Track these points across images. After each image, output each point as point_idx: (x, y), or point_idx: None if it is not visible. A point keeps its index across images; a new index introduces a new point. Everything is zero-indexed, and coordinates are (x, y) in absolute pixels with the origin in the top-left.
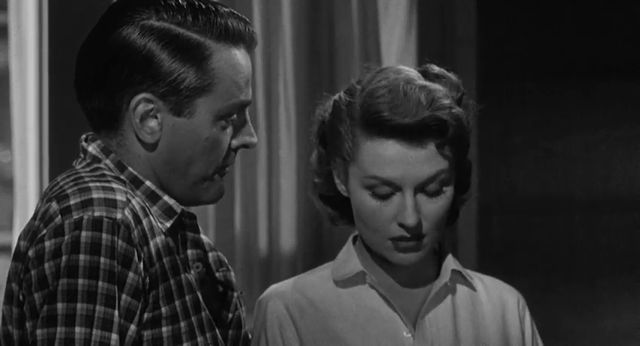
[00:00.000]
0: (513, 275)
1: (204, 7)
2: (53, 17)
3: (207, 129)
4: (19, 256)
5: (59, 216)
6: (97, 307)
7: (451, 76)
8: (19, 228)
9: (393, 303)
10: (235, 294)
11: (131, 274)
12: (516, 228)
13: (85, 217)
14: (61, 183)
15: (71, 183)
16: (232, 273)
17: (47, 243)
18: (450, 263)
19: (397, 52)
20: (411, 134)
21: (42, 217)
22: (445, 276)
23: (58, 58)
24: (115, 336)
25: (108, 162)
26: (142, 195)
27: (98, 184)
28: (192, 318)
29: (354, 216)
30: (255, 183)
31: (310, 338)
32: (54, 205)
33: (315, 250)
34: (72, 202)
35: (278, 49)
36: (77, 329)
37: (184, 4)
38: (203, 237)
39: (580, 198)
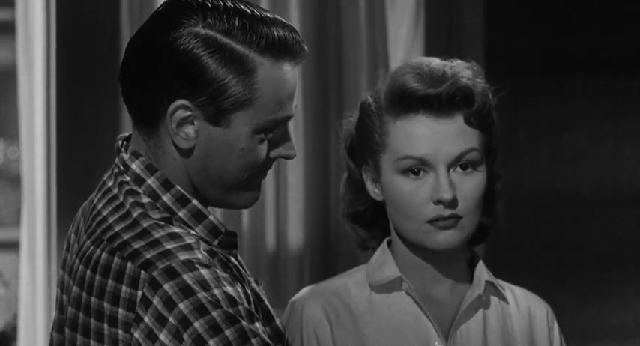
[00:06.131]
0: (520, 270)
1: (251, 13)
2: (61, 14)
3: (243, 140)
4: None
5: (142, 271)
6: (243, 323)
7: (472, 64)
8: (26, 224)
9: (428, 312)
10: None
11: (238, 288)
12: (523, 222)
13: (174, 264)
14: (114, 227)
15: (132, 233)
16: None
17: (155, 301)
18: (483, 273)
19: (404, 47)
20: (439, 105)
21: (113, 275)
22: (478, 288)
23: (66, 55)
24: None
25: (151, 181)
26: (188, 213)
27: (162, 232)
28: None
29: (389, 211)
30: None
31: (344, 342)
32: (129, 265)
33: (323, 246)
34: (148, 256)
35: None
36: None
37: (232, 10)
38: None
39: (588, 192)
